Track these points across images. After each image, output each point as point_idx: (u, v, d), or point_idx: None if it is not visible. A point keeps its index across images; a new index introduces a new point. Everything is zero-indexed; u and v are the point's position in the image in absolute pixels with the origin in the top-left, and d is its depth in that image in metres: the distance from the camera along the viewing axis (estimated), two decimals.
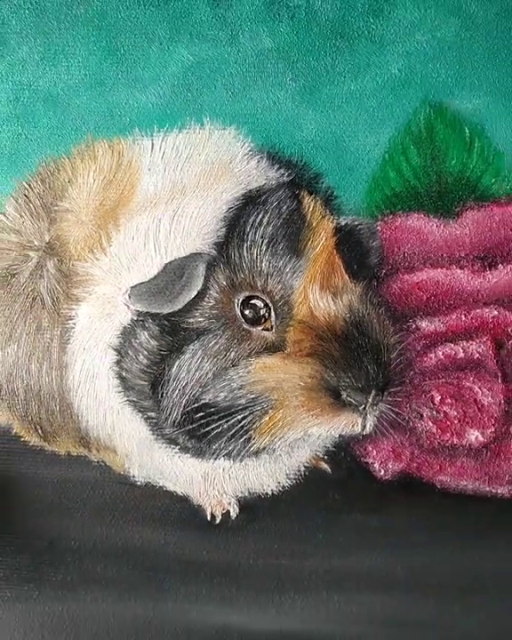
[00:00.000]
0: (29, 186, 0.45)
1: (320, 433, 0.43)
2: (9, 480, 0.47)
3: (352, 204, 0.45)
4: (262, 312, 0.42)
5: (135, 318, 0.43)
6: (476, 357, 0.44)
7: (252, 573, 0.45)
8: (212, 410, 0.42)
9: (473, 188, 0.45)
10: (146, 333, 0.43)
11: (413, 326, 0.44)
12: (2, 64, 0.46)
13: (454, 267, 0.44)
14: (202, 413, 0.42)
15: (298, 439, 0.43)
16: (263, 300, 0.41)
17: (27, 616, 0.46)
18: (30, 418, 0.46)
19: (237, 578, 0.46)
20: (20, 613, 0.46)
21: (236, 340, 0.42)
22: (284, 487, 0.46)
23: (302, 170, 0.44)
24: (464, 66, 0.44)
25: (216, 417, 0.42)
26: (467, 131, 0.44)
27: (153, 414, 0.43)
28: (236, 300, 0.42)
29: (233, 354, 0.42)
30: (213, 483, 0.46)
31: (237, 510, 0.46)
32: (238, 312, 0.42)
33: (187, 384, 0.42)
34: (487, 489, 0.44)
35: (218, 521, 0.46)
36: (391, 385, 0.43)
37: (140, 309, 0.42)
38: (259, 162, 0.44)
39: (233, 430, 0.42)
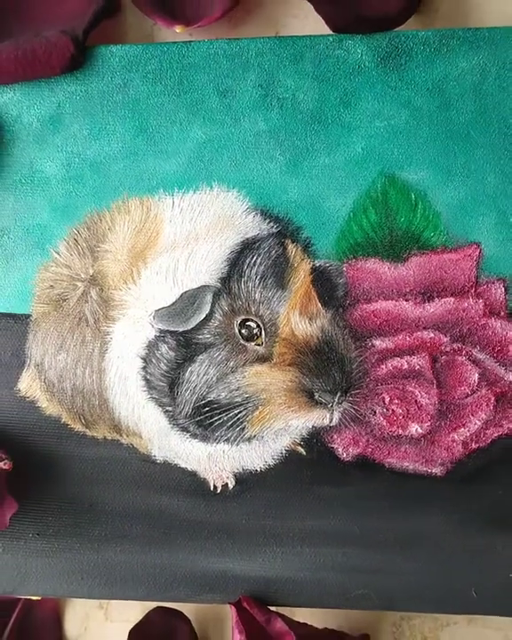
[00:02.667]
0: (78, 231, 0.51)
1: (298, 424, 0.49)
2: (59, 458, 0.52)
3: (324, 250, 0.50)
4: (255, 331, 0.48)
5: (158, 334, 0.49)
6: (417, 368, 0.49)
7: (244, 531, 0.52)
8: (216, 406, 0.49)
9: (417, 239, 0.49)
10: (166, 346, 0.49)
11: (370, 344, 0.50)
12: (58, 137, 0.51)
13: (401, 299, 0.49)
14: (207, 408, 0.49)
15: (281, 429, 0.49)
16: (256, 322, 0.48)
17: (71, 563, 0.53)
18: (75, 410, 0.52)
19: (233, 534, 0.52)
20: (66, 561, 0.53)
21: (234, 353, 0.48)
22: (269, 465, 0.51)
23: (287, 224, 0.50)
24: (411, 147, 0.49)
25: (218, 411, 0.49)
26: (413, 196, 0.49)
27: (170, 408, 0.50)
28: (235, 322, 0.48)
29: (232, 363, 0.48)
30: (215, 461, 0.52)
31: (233, 482, 0.52)
32: (237, 331, 0.48)
33: (196, 386, 0.49)
34: (424, 469, 0.50)
35: (218, 491, 0.52)
36: (352, 388, 0.49)
37: (162, 328, 0.49)
38: (254, 217, 0.50)
39: (231, 421, 0.49)
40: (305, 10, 0.50)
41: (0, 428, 0.52)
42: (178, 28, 0.51)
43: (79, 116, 0.51)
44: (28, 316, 0.52)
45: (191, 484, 0.52)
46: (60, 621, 0.58)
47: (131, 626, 0.54)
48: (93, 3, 0.50)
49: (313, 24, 0.50)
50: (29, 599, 0.57)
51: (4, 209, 0.51)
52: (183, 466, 0.52)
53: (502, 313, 0.49)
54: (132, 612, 0.56)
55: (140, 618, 0.55)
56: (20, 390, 0.53)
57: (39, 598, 0.57)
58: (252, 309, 0.48)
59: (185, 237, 0.50)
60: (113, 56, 0.50)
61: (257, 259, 0.49)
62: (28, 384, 0.53)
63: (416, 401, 0.50)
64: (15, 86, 0.51)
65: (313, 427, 0.50)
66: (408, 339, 0.50)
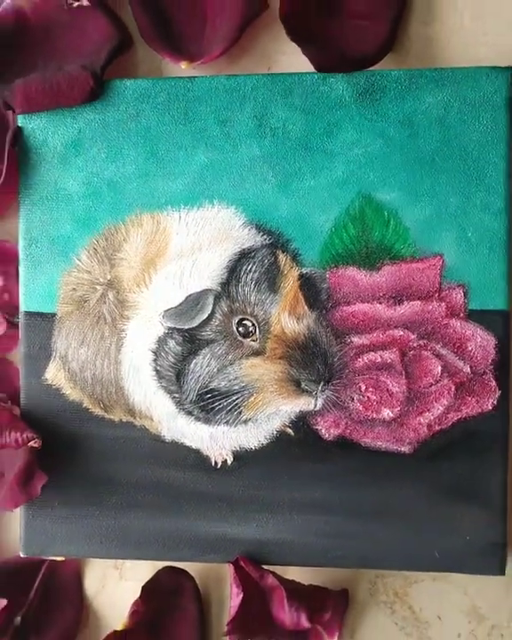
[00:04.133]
0: (97, 242, 0.53)
1: (287, 409, 0.51)
2: (81, 437, 0.54)
3: (310, 260, 0.52)
4: (251, 329, 0.50)
5: (166, 331, 0.51)
6: (388, 361, 0.51)
7: (241, 501, 0.53)
8: (217, 393, 0.51)
9: (389, 251, 0.51)
10: (173, 341, 0.51)
11: (349, 340, 0.52)
12: (79, 159, 0.53)
13: (375, 302, 0.52)
14: (209, 395, 0.51)
15: (272, 413, 0.51)
16: (251, 321, 0.50)
17: (91, 528, 0.54)
18: (95, 396, 0.54)
19: (231, 503, 0.53)
20: (87, 526, 0.54)
21: (232, 347, 0.51)
22: (262, 444, 0.53)
23: (278, 236, 0.52)
24: (385, 171, 0.51)
25: (219, 397, 0.51)
26: (386, 214, 0.51)
27: (177, 395, 0.52)
28: (234, 321, 0.51)
29: (231, 356, 0.51)
30: (216, 440, 0.53)
31: (232, 459, 0.53)
32: (235, 329, 0.51)
33: (200, 376, 0.51)
34: (394, 447, 0.52)
35: (218, 466, 0.53)
36: (334, 378, 0.51)
37: (170, 326, 0.51)
38: (250, 230, 0.52)
39: (230, 406, 0.51)
40: (294, 48, 0.52)
41: (30, 411, 0.54)
42: (183, 64, 0.53)
43: (97, 141, 0.53)
44: (53, 315, 0.54)
45: (195, 460, 0.54)
46: (80, 580, 0.59)
47: (142, 584, 0.56)
48: (109, 41, 0.53)
49: (301, 61, 0.52)
50: (54, 560, 0.57)
51: (33, 222, 0.53)
52: (188, 444, 0.54)
53: (462, 314, 0.51)
54: (144, 571, 0.57)
55: (151, 576, 0.56)
56: (47, 379, 0.54)
57: (63, 559, 0.58)
58: (248, 310, 0.50)
59: (190, 247, 0.52)
60: (127, 89, 0.52)
61: (252, 266, 0.51)
62: (54, 374, 0.54)
63: (388, 389, 0.52)
64: (42, 114, 0.53)
65: (300, 411, 0.52)
66: (381, 336, 0.52)
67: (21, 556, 0.56)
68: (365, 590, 0.57)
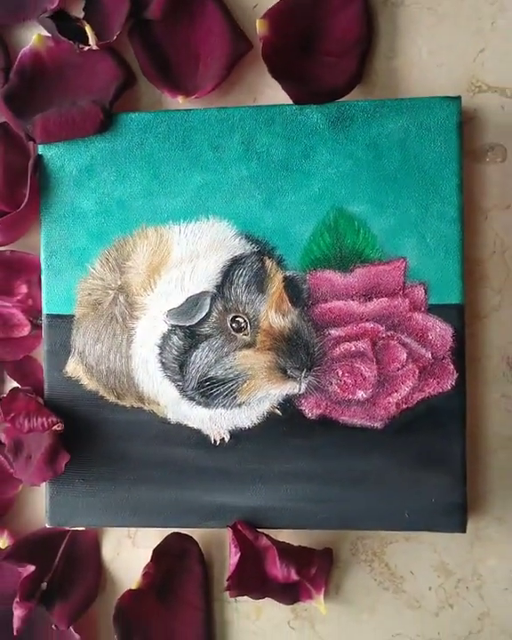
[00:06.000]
0: (108, 252, 0.56)
1: (275, 393, 0.55)
2: (97, 422, 0.57)
3: (292, 264, 0.55)
4: (243, 325, 0.53)
5: (170, 328, 0.54)
6: (361, 350, 0.54)
7: (237, 473, 0.56)
8: (214, 380, 0.54)
9: (360, 255, 0.54)
10: (176, 337, 0.54)
11: (327, 333, 0.54)
12: (92, 182, 0.56)
13: (349, 299, 0.54)
14: (208, 382, 0.54)
15: (263, 396, 0.54)
16: (243, 318, 0.53)
17: (107, 500, 0.57)
18: (110, 386, 0.56)
19: (229, 476, 0.56)
20: (104, 499, 0.57)
21: (227, 341, 0.53)
22: (255, 423, 0.56)
23: (265, 245, 0.55)
24: (355, 187, 0.54)
25: (216, 384, 0.54)
26: (356, 224, 0.54)
27: (180, 383, 0.55)
28: (228, 318, 0.53)
29: (226, 348, 0.53)
30: (215, 421, 0.56)
31: (228, 437, 0.56)
32: (229, 325, 0.53)
33: (200, 366, 0.54)
34: (368, 424, 0.55)
35: (217, 443, 0.56)
36: (315, 366, 0.54)
37: (173, 323, 0.54)
38: (240, 240, 0.55)
39: (226, 392, 0.54)
40: (275, 83, 0.55)
41: (53, 400, 0.57)
42: (180, 99, 0.57)
43: (107, 166, 0.56)
44: (72, 317, 0.56)
45: (197, 439, 0.56)
46: (98, 548, 0.62)
47: (152, 550, 0.58)
48: (116, 79, 0.58)
49: (281, 94, 0.55)
50: (76, 530, 0.60)
51: (52, 236, 0.56)
52: (191, 425, 0.56)
53: (423, 308, 0.54)
54: (154, 539, 0.59)
55: (160, 542, 0.59)
56: (67, 372, 0.57)
57: (83, 529, 0.60)
58: (240, 309, 0.53)
59: (189, 256, 0.55)
60: (132, 121, 0.56)
61: (243, 271, 0.54)
62: (73, 367, 0.57)
63: (361, 374, 0.55)
64: (59, 144, 0.56)
65: (286, 394, 0.55)
66: (354, 328, 0.54)
67: (47, 526, 0.59)
68: (347, 551, 0.60)
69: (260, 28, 0.56)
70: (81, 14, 0.59)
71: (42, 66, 0.59)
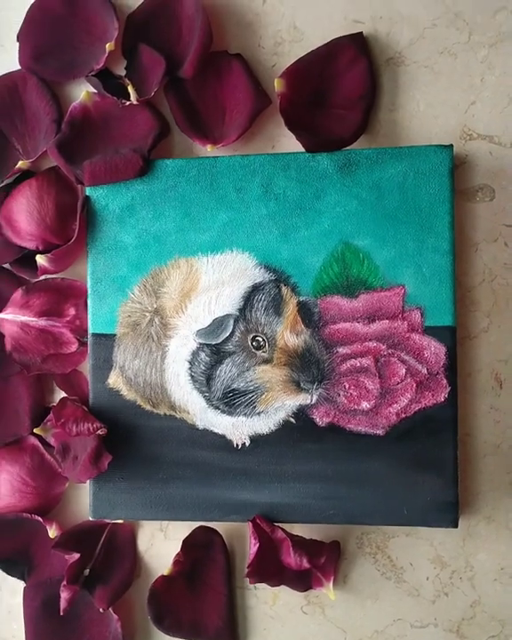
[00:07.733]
0: (146, 280, 0.60)
1: (290, 403, 0.57)
2: (135, 427, 0.60)
3: (305, 291, 0.58)
4: (262, 343, 0.56)
5: (198, 346, 0.58)
6: (365, 366, 0.57)
7: (256, 474, 0.58)
8: (237, 392, 0.57)
9: (364, 283, 0.57)
10: (203, 354, 0.57)
11: (335, 351, 0.57)
12: (132, 219, 0.59)
13: (355, 322, 0.57)
14: (231, 394, 0.57)
15: (279, 406, 0.57)
16: (262, 338, 0.56)
17: (143, 497, 0.60)
18: (146, 396, 0.60)
19: (249, 475, 0.58)
20: (139, 496, 0.60)
21: (248, 357, 0.56)
22: (272, 430, 0.58)
23: (281, 274, 0.58)
24: (360, 224, 0.57)
25: (238, 395, 0.57)
26: (361, 255, 0.57)
27: (207, 394, 0.58)
28: (249, 337, 0.57)
29: (247, 364, 0.56)
30: (237, 427, 0.59)
31: (249, 442, 0.58)
32: (249, 344, 0.57)
33: (224, 379, 0.57)
34: (371, 431, 0.57)
35: (239, 447, 0.59)
36: (325, 380, 0.57)
37: (201, 342, 0.57)
38: (260, 270, 0.58)
39: (247, 402, 0.57)
40: (290, 133, 0.59)
41: (97, 408, 0.60)
42: (209, 147, 0.61)
43: (145, 206, 0.60)
44: (114, 335, 0.60)
45: (221, 443, 0.59)
46: (134, 539, 0.65)
47: (181, 542, 0.62)
48: (153, 130, 0.62)
49: (296, 143, 0.58)
50: (115, 523, 0.64)
51: (97, 266, 0.60)
52: (216, 431, 0.59)
53: (420, 330, 0.57)
54: (183, 532, 0.62)
55: (188, 534, 0.62)
56: (109, 384, 0.60)
57: (121, 522, 0.64)
58: (260, 329, 0.56)
59: (215, 283, 0.58)
60: (167, 166, 0.59)
61: (262, 296, 0.57)
62: (115, 380, 0.60)
63: (365, 387, 0.57)
64: (104, 186, 0.60)
65: (299, 404, 0.57)
66: (359, 347, 0.57)
67: (90, 519, 0.63)
68: (354, 544, 0.63)
69: (277, 85, 0.60)
70: (123, 73, 0.63)
71: (89, 118, 0.63)
